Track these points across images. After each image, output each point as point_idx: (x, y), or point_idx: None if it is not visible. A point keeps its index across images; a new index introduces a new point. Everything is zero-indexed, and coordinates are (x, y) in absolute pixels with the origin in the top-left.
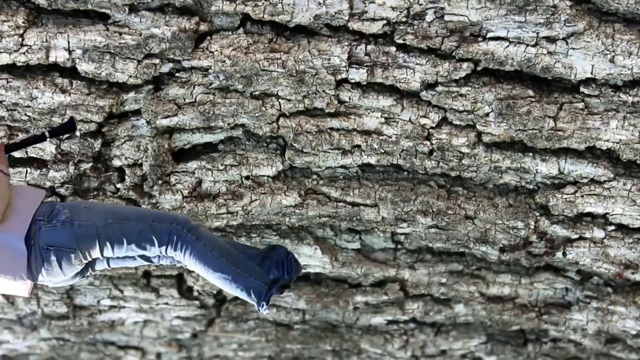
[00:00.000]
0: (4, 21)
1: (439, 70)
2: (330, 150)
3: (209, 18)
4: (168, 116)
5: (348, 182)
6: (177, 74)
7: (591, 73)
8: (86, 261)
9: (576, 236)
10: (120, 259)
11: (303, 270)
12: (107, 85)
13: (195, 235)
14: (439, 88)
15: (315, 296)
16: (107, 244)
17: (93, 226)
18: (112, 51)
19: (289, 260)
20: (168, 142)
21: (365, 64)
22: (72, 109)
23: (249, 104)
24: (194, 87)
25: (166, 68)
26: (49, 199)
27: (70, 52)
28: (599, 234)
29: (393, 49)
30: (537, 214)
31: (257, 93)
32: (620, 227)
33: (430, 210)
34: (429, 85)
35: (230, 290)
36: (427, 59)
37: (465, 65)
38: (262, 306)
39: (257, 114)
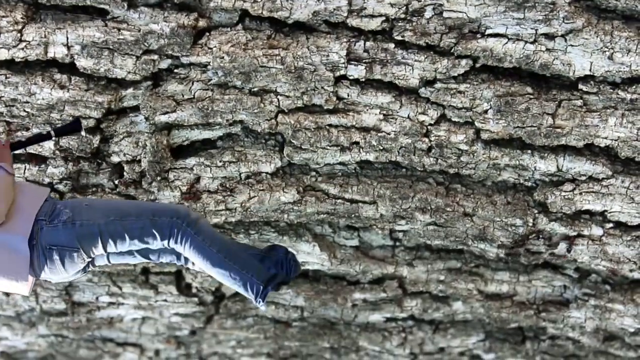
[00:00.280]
0: (3, 17)
1: (438, 67)
2: (328, 147)
3: (207, 14)
4: (167, 112)
5: (346, 179)
6: (175, 70)
7: (590, 70)
8: (89, 259)
9: (574, 234)
10: (120, 254)
11: (302, 268)
12: (105, 81)
13: (194, 230)
14: (438, 85)
15: (314, 293)
16: (110, 240)
17: (95, 225)
18: (111, 47)
19: (288, 260)
20: (166, 139)
21: (364, 61)
22: (71, 105)
23: (248, 101)
24: (192, 84)
25: (165, 64)
26: (51, 194)
27: (68, 47)
28: (597, 231)
29: (392, 45)
30: (536, 211)
31: (255, 89)
32: (619, 224)
33: (429, 208)
34: (428, 82)
35: (228, 284)
36: (425, 56)
37: (463, 62)
38: (259, 302)
39: (255, 111)
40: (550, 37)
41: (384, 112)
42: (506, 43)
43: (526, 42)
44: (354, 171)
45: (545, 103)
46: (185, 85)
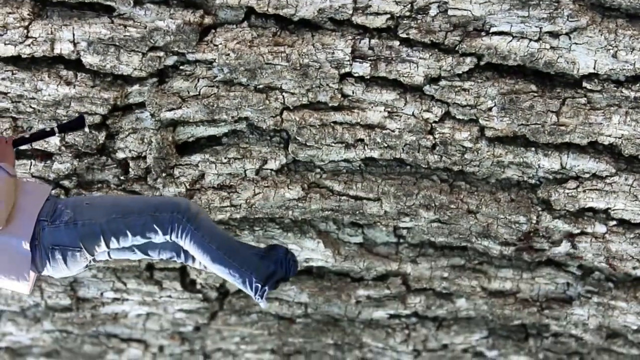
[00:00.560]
0: (9, 13)
1: (442, 64)
2: (333, 144)
3: (213, 11)
4: (172, 109)
5: (351, 176)
6: (181, 67)
7: (594, 68)
8: (92, 257)
9: (578, 231)
10: (122, 250)
11: (306, 264)
12: (111, 78)
13: (194, 225)
14: (442, 82)
15: (318, 290)
16: (112, 238)
17: (97, 224)
18: (117, 44)
19: (288, 260)
20: (172, 135)
21: (368, 58)
22: (77, 101)
23: (253, 97)
24: (198, 80)
25: (170, 61)
26: (53, 191)
27: (75, 44)
28: (600, 229)
29: (396, 43)
30: (539, 208)
31: (261, 86)
32: (622, 222)
33: (433, 205)
34: (432, 80)
35: (229, 280)
36: (430, 54)
37: (468, 59)
38: (258, 299)
39: (260, 107)
40: (554, 35)
41: (389, 109)
42: (510, 41)
43: (530, 40)
44: (358, 168)
45: (549, 101)
46: (191, 82)
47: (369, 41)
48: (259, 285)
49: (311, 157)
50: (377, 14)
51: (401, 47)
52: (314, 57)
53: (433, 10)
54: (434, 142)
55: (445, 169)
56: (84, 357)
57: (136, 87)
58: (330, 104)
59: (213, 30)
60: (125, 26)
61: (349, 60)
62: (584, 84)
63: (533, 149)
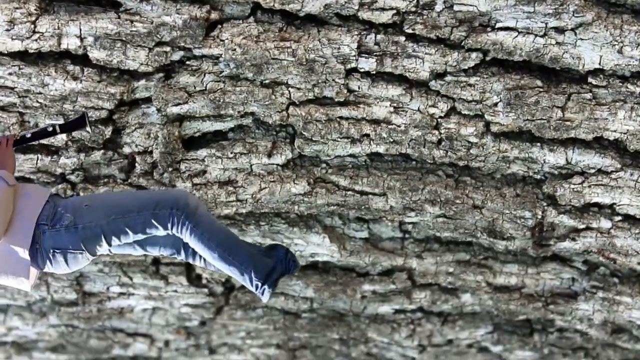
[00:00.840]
0: (17, 8)
1: (448, 60)
2: (339, 139)
3: (219, 6)
4: (178, 104)
5: (357, 171)
6: (187, 62)
7: (599, 64)
8: (94, 257)
9: (583, 226)
10: (123, 246)
11: (311, 259)
12: (118, 73)
13: (193, 222)
14: (448, 78)
15: (323, 285)
16: (114, 237)
17: (97, 226)
18: (124, 39)
19: (288, 260)
20: (178, 130)
21: (374, 54)
22: (84, 96)
23: (259, 93)
24: (204, 75)
25: (177, 56)
26: (55, 188)
27: (82, 39)
28: (605, 224)
29: (402, 38)
30: (545, 204)
31: (267, 81)
32: (627, 217)
33: (438, 200)
34: (438, 75)
35: (231, 275)
36: (436, 49)
37: (474, 55)
38: (260, 295)
39: (267, 102)
40: (560, 30)
41: (395, 104)
42: (516, 36)
43: (536, 35)
44: (364, 163)
45: (554, 96)
46: (197, 77)
47: (375, 37)
48: (259, 283)
49: (317, 152)
50: (383, 9)
51: (407, 42)
52: (320, 52)
53: (439, 6)
54: (439, 137)
55: (450, 164)
56: (89, 351)
57: (143, 82)
58: (336, 99)
59: (219, 26)
60: (131, 21)
61: (354, 56)
62: (590, 80)
63: (538, 144)
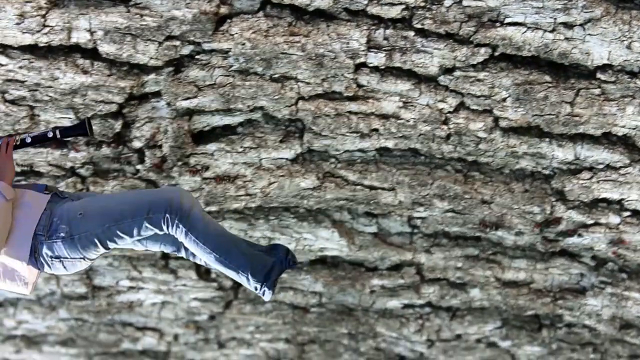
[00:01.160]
0: (27, 2)
1: (457, 55)
2: (348, 134)
3: (229, 1)
4: (188, 98)
5: (366, 166)
6: (197, 56)
7: (608, 59)
8: (92, 261)
9: (592, 222)
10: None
11: (320, 254)
12: (127, 67)
13: (187, 226)
14: (457, 73)
15: (332, 279)
16: (110, 243)
17: (93, 235)
18: (133, 33)
19: (288, 260)
20: (188, 124)
21: (383, 48)
22: (93, 90)
23: (268, 87)
24: (214, 70)
25: (187, 50)
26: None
27: (91, 33)
28: (614, 219)
29: (411, 33)
30: (553, 199)
31: (276, 76)
32: (636, 213)
33: (447, 195)
34: (447, 70)
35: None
36: (445, 44)
37: (483, 50)
38: (260, 295)
39: (276, 97)
40: (569, 26)
41: (404, 99)
42: (525, 32)
43: (545, 31)
44: (373, 158)
45: (563, 92)
46: (207, 71)
47: (384, 31)
48: (258, 285)
49: (326, 147)
50: (392, 4)
51: (416, 37)
52: (329, 47)
53: (448, 1)
54: (448, 132)
55: (459, 159)
56: (99, 345)
57: (152, 76)
58: (345, 94)
59: (229, 20)
60: (141, 15)
61: (364, 51)
62: (598, 75)
63: (547, 139)
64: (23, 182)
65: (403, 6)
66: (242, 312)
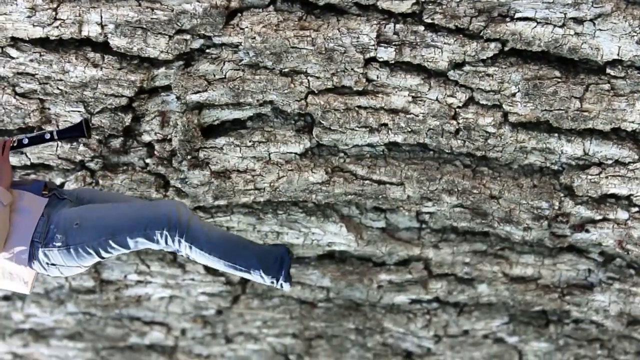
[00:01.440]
0: None
1: (467, 50)
2: (357, 128)
3: None
4: (198, 92)
5: (374, 161)
6: (207, 50)
7: (617, 54)
8: (87, 267)
9: (600, 217)
10: None
11: (328, 249)
12: (138, 60)
13: (190, 240)
14: (467, 68)
15: (340, 274)
16: (106, 253)
17: (89, 246)
18: (144, 26)
19: (289, 258)
20: (197, 118)
21: (393, 43)
22: (104, 83)
23: (278, 81)
24: (224, 64)
25: (197, 44)
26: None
27: (102, 26)
28: (622, 215)
29: (421, 28)
30: (562, 194)
31: (286, 70)
32: None
33: (456, 190)
34: (457, 65)
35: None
36: (455, 39)
37: (492, 45)
38: (279, 287)
39: (285, 91)
40: (579, 21)
41: (413, 94)
42: (535, 27)
43: (555, 26)
44: (382, 153)
45: (573, 87)
46: (217, 65)
47: (394, 26)
48: (274, 280)
49: (335, 141)
50: None
51: (426, 32)
52: (339, 41)
53: None
54: (457, 127)
55: (468, 154)
56: (106, 339)
57: (162, 69)
58: (354, 89)
59: (239, 14)
60: (152, 9)
61: (373, 45)
62: (608, 70)
63: (556, 134)
64: (21, 179)
65: (413, 1)
66: (250, 307)
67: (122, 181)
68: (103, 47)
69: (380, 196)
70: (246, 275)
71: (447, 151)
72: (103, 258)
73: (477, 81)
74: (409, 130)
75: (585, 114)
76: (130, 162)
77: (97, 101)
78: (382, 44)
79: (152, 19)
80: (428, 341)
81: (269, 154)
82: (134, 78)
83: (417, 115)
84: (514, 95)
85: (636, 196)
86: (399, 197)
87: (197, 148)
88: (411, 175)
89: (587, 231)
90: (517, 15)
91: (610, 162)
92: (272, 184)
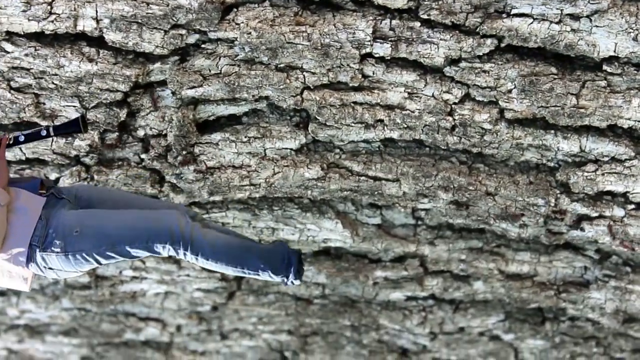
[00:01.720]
0: None
1: (463, 46)
2: (353, 124)
3: None
4: (193, 87)
5: (370, 157)
6: (203, 45)
7: (614, 51)
8: (84, 272)
9: (596, 214)
10: None
11: (324, 245)
12: (133, 55)
13: (194, 251)
14: (463, 64)
15: (336, 270)
16: (104, 260)
17: (89, 254)
18: (140, 21)
19: (295, 256)
20: (193, 113)
21: (389, 39)
22: (99, 78)
23: (274, 77)
24: (219, 59)
25: (192, 39)
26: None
27: (97, 21)
28: (618, 212)
29: (417, 24)
30: (558, 191)
31: (281, 66)
32: None
33: (452, 186)
34: (453, 61)
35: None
36: (451, 35)
37: (489, 41)
38: (290, 285)
39: (281, 87)
40: (575, 17)
41: (409, 90)
42: (531, 23)
43: (551, 22)
44: (377, 149)
45: (569, 83)
46: (212, 61)
47: (390, 22)
48: (285, 279)
49: (331, 137)
50: None
51: (422, 28)
52: (335, 37)
53: None
54: (453, 123)
55: (464, 150)
56: (102, 335)
57: (158, 64)
58: (350, 84)
59: (235, 9)
60: (147, 3)
61: (369, 41)
62: (604, 67)
63: (552, 131)
64: (18, 176)
65: None
66: (245, 303)
67: (117, 176)
68: (98, 42)
69: (376, 192)
70: (256, 277)
71: (443, 147)
72: (101, 264)
73: (473, 77)
74: (405, 126)
75: (582, 110)
76: (126, 157)
77: (92, 96)
78: (378, 40)
79: (147, 13)
80: (424, 338)
81: (265, 150)
82: (129, 73)
83: (413, 112)
84: (510, 91)
85: (632, 193)
86: (395, 194)
87: (193, 143)
88: (407, 171)
89: (582, 229)
90: (514, 11)
91: (606, 159)
92: (267, 180)
